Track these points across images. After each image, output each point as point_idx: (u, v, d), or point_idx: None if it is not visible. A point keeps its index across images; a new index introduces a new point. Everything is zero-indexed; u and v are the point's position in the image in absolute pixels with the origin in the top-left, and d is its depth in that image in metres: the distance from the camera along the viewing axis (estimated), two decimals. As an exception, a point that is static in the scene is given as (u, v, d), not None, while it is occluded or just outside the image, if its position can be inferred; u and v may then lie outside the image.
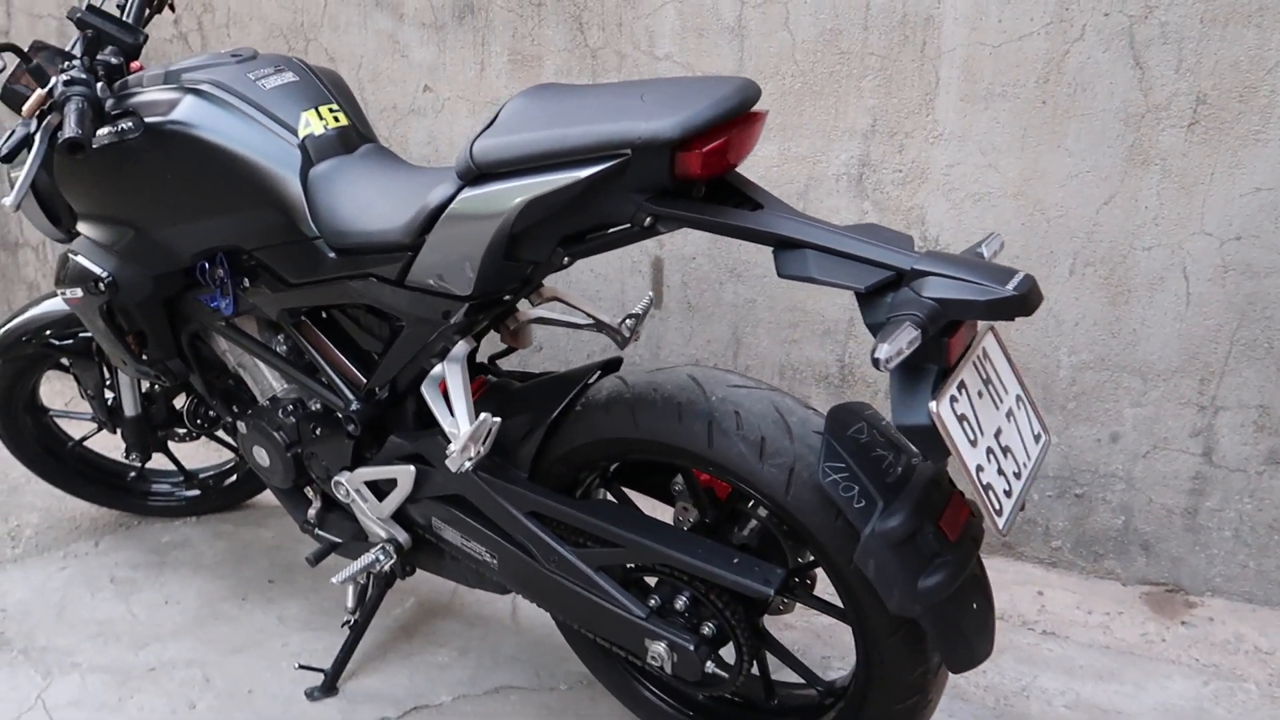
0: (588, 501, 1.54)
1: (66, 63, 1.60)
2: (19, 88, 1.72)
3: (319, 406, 1.80)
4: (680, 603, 1.48)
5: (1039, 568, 2.19)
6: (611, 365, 1.57)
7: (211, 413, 2.05)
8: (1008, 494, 1.17)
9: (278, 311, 1.68)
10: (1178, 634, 1.99)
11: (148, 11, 1.82)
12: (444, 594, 2.20)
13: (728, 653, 1.49)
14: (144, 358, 1.88)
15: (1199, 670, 1.91)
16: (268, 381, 1.87)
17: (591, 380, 1.52)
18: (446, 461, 1.45)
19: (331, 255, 1.54)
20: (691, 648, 1.43)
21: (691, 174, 1.18)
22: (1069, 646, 1.99)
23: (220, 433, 2.25)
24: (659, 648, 1.46)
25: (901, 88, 2.00)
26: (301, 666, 1.91)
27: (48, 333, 2.14)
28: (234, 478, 2.49)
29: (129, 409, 2.20)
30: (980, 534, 1.30)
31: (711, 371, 1.43)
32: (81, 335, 2.13)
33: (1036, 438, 1.27)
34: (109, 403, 2.22)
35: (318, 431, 1.77)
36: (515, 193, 1.24)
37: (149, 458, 2.31)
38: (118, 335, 1.83)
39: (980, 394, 1.17)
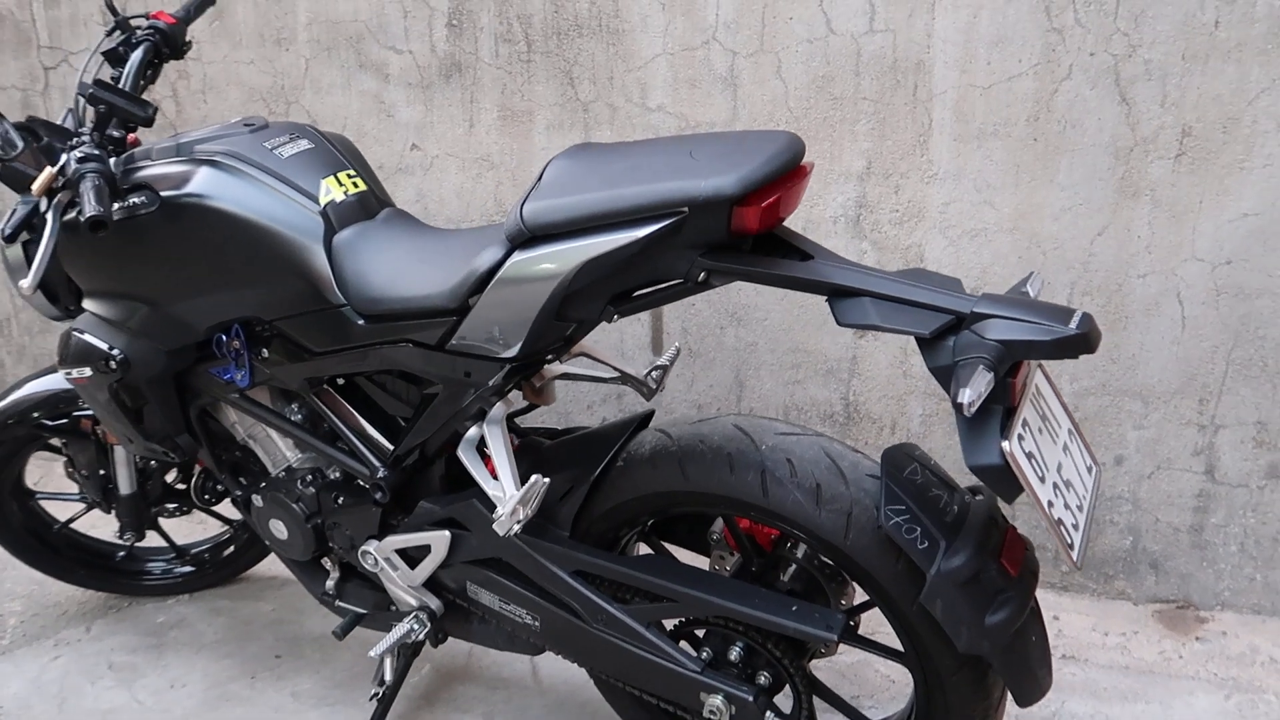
0: (637, 558, 1.53)
1: (75, 139, 1.56)
2: (18, 166, 1.67)
3: (339, 475, 1.77)
4: (734, 653, 1.47)
5: (1051, 593, 2.22)
6: (645, 419, 1.57)
7: (219, 487, 1.99)
8: (1076, 527, 1.19)
9: (299, 381, 1.65)
10: (1194, 650, 2.03)
11: (142, 82, 1.79)
12: (460, 657, 2.16)
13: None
14: (150, 435, 1.82)
15: (1219, 684, 1.95)
16: (281, 453, 1.83)
17: (630, 435, 1.52)
18: (494, 525, 1.43)
19: (360, 322, 1.52)
20: (750, 698, 1.42)
21: (748, 229, 1.20)
22: (1090, 669, 2.02)
23: (216, 505, 2.19)
24: (716, 701, 1.44)
25: (895, 130, 2.05)
26: (336, 744, 1.85)
27: (37, 414, 2.07)
28: (230, 549, 2.42)
29: (124, 487, 2.13)
30: (1037, 567, 1.32)
31: (756, 420, 1.44)
32: (76, 414, 2.06)
33: (1089, 469, 1.29)
34: (104, 482, 2.15)
35: (340, 501, 1.74)
36: (571, 254, 1.24)
37: (143, 536, 2.24)
38: (126, 414, 1.78)
39: (1040, 430, 1.20)
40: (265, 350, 1.65)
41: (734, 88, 2.15)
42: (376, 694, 1.83)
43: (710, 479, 1.39)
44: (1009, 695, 1.40)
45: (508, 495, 1.43)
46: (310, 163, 1.61)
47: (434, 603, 1.71)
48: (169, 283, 1.60)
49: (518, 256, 1.29)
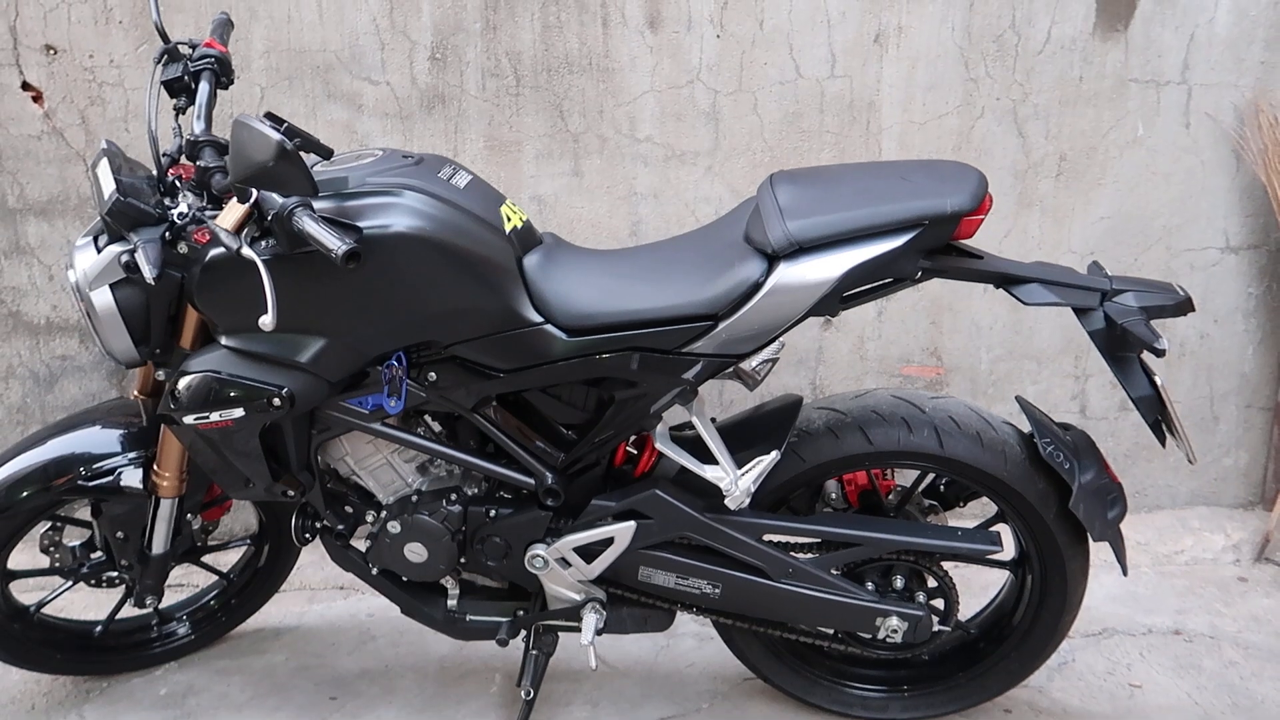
0: (820, 515, 1.81)
1: None
2: (134, 202, 1.59)
3: (482, 490, 1.85)
4: (898, 580, 1.81)
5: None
6: (799, 402, 1.84)
7: (318, 525, 1.93)
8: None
9: (472, 401, 1.72)
10: (1084, 546, 2.68)
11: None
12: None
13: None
14: (275, 475, 1.77)
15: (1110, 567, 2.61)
16: (400, 480, 1.87)
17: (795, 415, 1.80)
18: (727, 500, 1.65)
19: (563, 337, 1.65)
20: (921, 614, 1.77)
21: (966, 235, 1.56)
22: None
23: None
24: (892, 621, 1.77)
25: (853, 158, 2.49)
26: (492, 751, 1.91)
27: (80, 470, 1.88)
28: (235, 596, 2.29)
29: (159, 545, 1.99)
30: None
31: (906, 390, 1.80)
32: (120, 468, 1.90)
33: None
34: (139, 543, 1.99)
35: (493, 514, 1.82)
36: (839, 262, 1.51)
37: (162, 596, 2.09)
38: (261, 455, 1.72)
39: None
40: (433, 374, 1.70)
41: (716, 121, 2.47)
42: (530, 697, 1.91)
43: (892, 440, 1.72)
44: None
45: (734, 475, 1.66)
46: (482, 193, 1.70)
47: (600, 594, 1.85)
48: (355, 314, 1.61)
49: (785, 266, 1.54)
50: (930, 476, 1.92)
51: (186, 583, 2.46)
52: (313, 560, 2.60)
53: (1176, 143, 2.52)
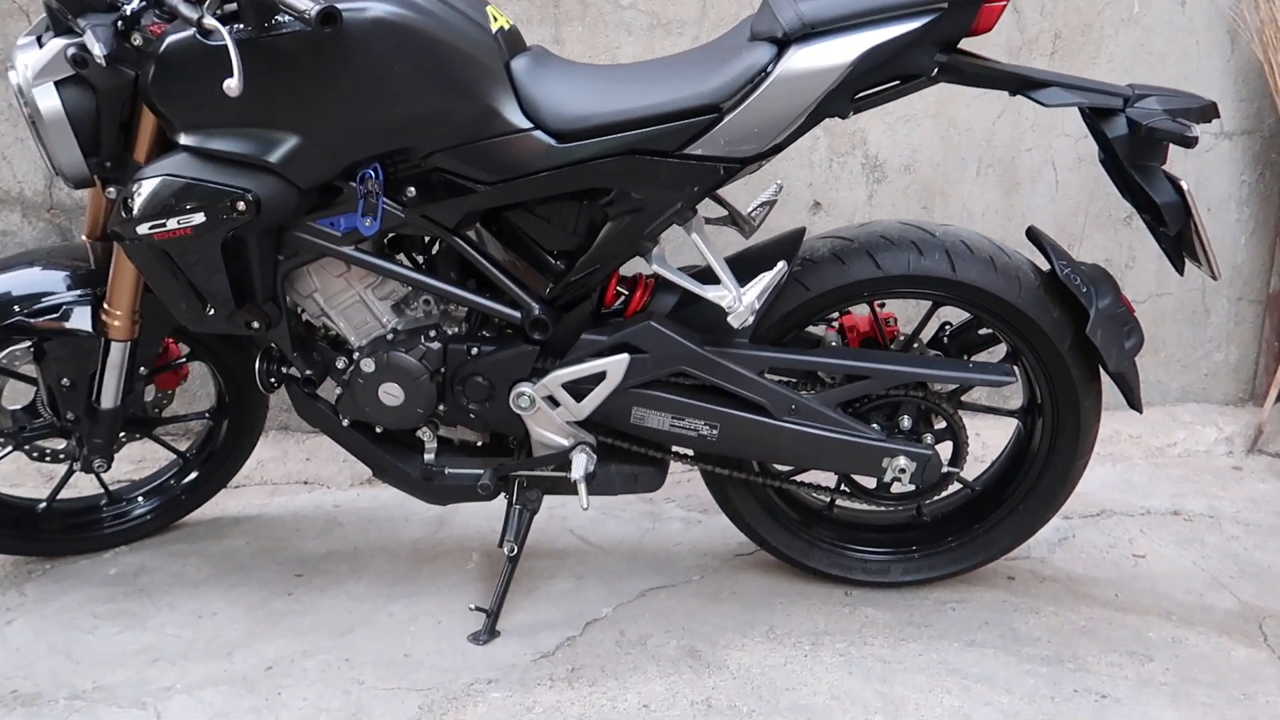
0: (823, 348, 1.71)
1: None
2: (81, -22, 1.46)
3: (463, 327, 1.73)
4: (905, 421, 1.72)
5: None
6: (801, 232, 1.74)
7: (285, 370, 1.79)
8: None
9: (456, 220, 1.60)
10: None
11: None
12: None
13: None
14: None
15: (1100, 460, 2.54)
16: (374, 320, 1.74)
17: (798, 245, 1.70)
18: (730, 318, 1.55)
19: (553, 143, 1.53)
20: (930, 454, 1.68)
21: (984, 28, 1.47)
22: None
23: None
24: (900, 461, 1.68)
25: (845, 30, 2.40)
26: (476, 609, 1.79)
27: (8, 313, 1.72)
28: (192, 475, 2.13)
29: (109, 398, 1.84)
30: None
31: (915, 220, 1.71)
32: (68, 306, 1.74)
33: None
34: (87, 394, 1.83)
35: (475, 351, 1.70)
36: (854, 45, 1.42)
37: (111, 461, 1.93)
38: (226, 273, 1.58)
39: (1172, 179, 1.59)
40: (411, 189, 1.58)
41: (704, -11, 2.37)
42: (514, 553, 1.79)
43: (902, 264, 1.62)
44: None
45: (737, 291, 1.55)
46: (466, -8, 1.58)
47: (589, 438, 1.73)
48: (328, 108, 1.49)
49: (796, 50, 1.43)
50: (934, 330, 1.84)
51: (139, 478, 2.30)
52: (274, 455, 2.47)
53: (1172, 22, 2.46)
